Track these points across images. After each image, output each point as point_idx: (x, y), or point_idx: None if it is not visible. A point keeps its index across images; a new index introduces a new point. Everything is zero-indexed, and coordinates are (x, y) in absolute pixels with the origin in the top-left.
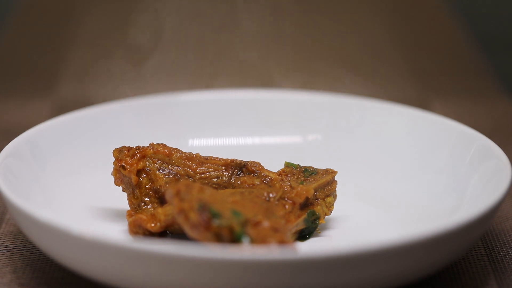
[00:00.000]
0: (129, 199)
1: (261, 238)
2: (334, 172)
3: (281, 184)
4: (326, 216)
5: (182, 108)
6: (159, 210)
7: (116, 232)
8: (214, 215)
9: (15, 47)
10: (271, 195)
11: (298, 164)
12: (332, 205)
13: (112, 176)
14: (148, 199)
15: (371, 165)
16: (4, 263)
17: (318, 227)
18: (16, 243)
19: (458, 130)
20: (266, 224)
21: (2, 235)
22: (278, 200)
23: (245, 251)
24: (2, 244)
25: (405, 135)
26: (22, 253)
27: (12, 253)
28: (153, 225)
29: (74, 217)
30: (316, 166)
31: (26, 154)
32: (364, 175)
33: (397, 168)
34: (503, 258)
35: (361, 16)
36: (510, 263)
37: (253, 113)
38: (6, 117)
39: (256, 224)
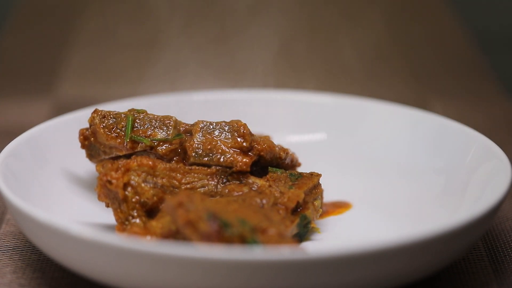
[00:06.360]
0: (115, 214)
1: (272, 245)
2: (319, 175)
3: (270, 190)
4: (320, 219)
5: (182, 108)
6: (153, 223)
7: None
8: (225, 224)
9: (15, 47)
10: (264, 201)
11: (282, 169)
12: (320, 208)
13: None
14: (135, 213)
15: (371, 165)
16: (4, 263)
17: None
18: (16, 243)
19: (458, 130)
20: (272, 230)
21: (2, 235)
22: (271, 206)
23: (245, 251)
24: (2, 244)
25: (405, 135)
26: (22, 253)
27: (12, 253)
28: (149, 238)
29: (74, 217)
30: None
31: (26, 154)
32: (364, 175)
33: (397, 168)
34: (503, 258)
35: (360, 16)
36: (510, 263)
37: (253, 113)
38: (6, 117)
39: (263, 231)
